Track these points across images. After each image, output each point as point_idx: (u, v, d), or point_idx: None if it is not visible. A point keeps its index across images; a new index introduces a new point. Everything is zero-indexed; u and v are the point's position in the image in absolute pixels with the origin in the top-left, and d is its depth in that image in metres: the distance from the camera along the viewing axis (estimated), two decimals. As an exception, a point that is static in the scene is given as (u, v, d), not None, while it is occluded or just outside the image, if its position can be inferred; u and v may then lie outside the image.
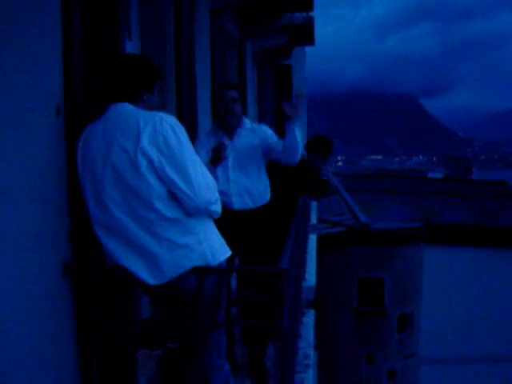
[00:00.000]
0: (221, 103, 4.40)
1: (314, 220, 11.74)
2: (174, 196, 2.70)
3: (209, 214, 2.84)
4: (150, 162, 2.62)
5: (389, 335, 15.32)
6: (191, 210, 2.73)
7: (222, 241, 2.93)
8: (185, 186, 2.67)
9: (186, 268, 2.72)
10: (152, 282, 2.71)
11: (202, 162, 2.82)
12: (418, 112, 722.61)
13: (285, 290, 2.91)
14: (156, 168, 2.63)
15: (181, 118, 4.88)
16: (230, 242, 2.98)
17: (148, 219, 2.67)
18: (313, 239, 9.60)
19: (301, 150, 4.52)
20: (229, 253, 2.92)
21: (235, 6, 7.54)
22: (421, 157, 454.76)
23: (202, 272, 2.76)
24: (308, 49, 20.31)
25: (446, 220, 16.94)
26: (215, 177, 4.19)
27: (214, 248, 2.83)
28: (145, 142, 2.61)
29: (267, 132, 4.60)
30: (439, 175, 52.70)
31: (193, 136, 4.39)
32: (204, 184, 2.72)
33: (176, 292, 2.78)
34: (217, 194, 2.83)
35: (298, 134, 4.40)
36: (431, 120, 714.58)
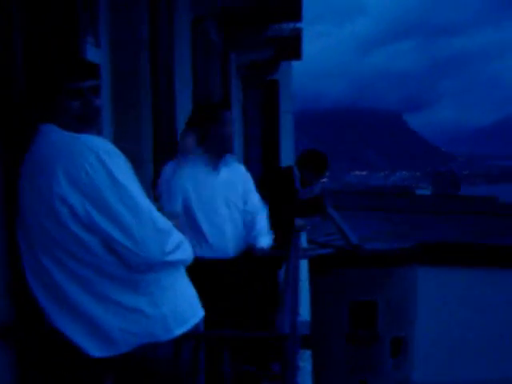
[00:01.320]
0: (218, 126, 3.63)
1: (304, 242, 11.14)
2: (112, 249, 2.03)
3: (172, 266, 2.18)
4: (72, 209, 1.96)
5: (382, 360, 14.72)
6: (139, 267, 2.06)
7: (193, 300, 2.27)
8: (122, 236, 2.00)
9: (140, 338, 2.05)
10: (97, 353, 2.04)
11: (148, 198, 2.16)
12: (401, 128, 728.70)
13: (290, 355, 2.31)
14: (80, 217, 1.97)
15: (158, 137, 4.24)
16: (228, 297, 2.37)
17: (84, 276, 2.02)
18: (304, 265, 8.99)
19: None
20: (200, 315, 2.27)
21: (219, 15, 6.94)
22: (404, 172, 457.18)
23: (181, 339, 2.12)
24: (294, 65, 19.81)
25: (438, 239, 16.37)
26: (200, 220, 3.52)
27: (179, 311, 2.16)
28: (61, 182, 1.95)
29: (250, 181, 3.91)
30: (427, 192, 52.39)
31: (170, 158, 3.74)
32: (151, 230, 2.03)
33: (141, 364, 2.12)
34: (176, 238, 2.14)
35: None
36: (414, 136, 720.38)
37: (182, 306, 2.18)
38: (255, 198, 3.80)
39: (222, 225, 3.57)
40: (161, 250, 2.03)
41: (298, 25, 10.29)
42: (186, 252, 2.17)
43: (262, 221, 3.76)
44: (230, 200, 3.62)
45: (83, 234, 1.98)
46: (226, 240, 3.58)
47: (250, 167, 7.67)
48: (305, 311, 6.58)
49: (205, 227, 3.50)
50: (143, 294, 2.09)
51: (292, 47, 11.05)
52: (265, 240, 3.72)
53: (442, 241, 16.02)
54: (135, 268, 2.03)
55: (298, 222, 5.56)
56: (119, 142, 4.20)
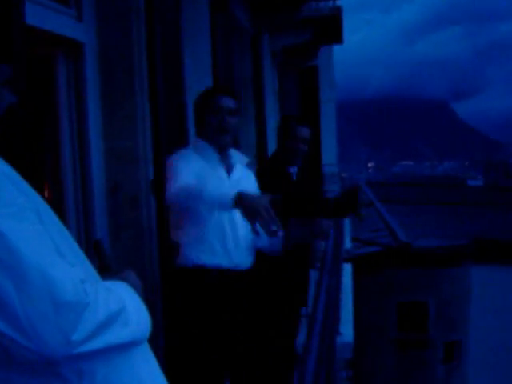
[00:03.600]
0: (213, 114, 3.15)
1: (347, 243, 10.20)
2: None
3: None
4: None
5: (434, 367, 13.71)
6: (34, 365, 1.18)
7: None
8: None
9: None
10: None
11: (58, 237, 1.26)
12: (448, 116, 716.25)
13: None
14: None
15: (159, 132, 3.42)
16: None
17: None
18: (347, 270, 8.06)
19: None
20: None
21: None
22: (452, 162, 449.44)
23: None
24: (335, 51, 18.86)
25: (494, 236, 15.23)
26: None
27: None
28: None
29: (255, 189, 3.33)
30: (479, 182, 50.43)
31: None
32: (46, 306, 1.13)
33: None
34: (103, 309, 1.21)
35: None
36: (461, 124, 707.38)
37: None
38: None
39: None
40: (64, 338, 1.14)
41: (338, 2, 9.35)
42: (127, 328, 1.28)
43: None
44: None
45: None
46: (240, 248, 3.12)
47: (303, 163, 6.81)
48: (347, 329, 5.68)
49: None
50: None
51: (332, 29, 10.10)
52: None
53: (498, 237, 14.90)
54: (28, 365, 1.18)
55: (324, 222, 4.55)
56: (109, 139, 3.42)
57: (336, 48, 17.44)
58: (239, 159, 3.24)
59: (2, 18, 1.88)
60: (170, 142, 3.62)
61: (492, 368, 14.28)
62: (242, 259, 3.10)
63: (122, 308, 1.26)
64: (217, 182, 3.02)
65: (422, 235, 15.01)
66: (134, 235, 3.48)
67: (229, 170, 3.16)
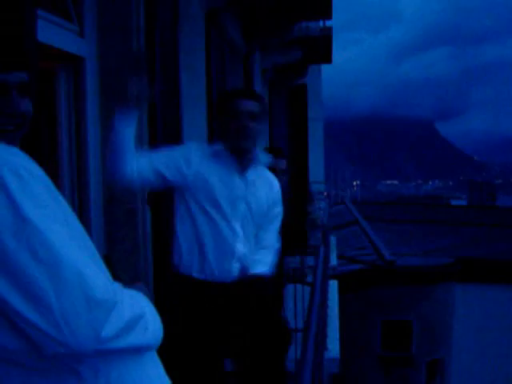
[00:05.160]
0: (231, 118, 2.93)
1: (333, 260, 10.24)
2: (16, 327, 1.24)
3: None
4: None
5: (417, 384, 13.77)
6: (60, 358, 1.24)
7: None
8: (31, 311, 1.18)
9: None
10: None
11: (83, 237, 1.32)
12: (433, 136, 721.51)
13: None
14: None
15: (157, 144, 3.49)
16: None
17: None
18: (333, 286, 8.13)
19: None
20: None
21: (238, 8, 6.16)
22: (437, 181, 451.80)
23: None
24: (323, 70, 19.02)
25: (478, 255, 15.37)
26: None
27: None
28: None
29: (276, 195, 3.15)
30: (463, 202, 50.92)
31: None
32: (79, 302, 1.21)
33: None
34: (127, 313, 1.28)
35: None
36: (446, 144, 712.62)
37: None
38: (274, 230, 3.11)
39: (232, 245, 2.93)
40: (94, 334, 1.21)
41: (328, 23, 9.49)
42: (146, 334, 1.35)
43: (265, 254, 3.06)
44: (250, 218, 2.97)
45: None
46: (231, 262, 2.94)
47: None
48: (334, 345, 5.73)
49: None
50: None
51: (322, 48, 10.23)
52: (262, 267, 2.99)
53: (481, 257, 15.05)
54: (53, 358, 1.24)
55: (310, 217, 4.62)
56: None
57: (324, 67, 17.62)
58: (264, 161, 3.09)
59: (16, 29, 1.95)
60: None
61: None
62: (223, 272, 2.93)
63: (143, 313, 1.34)
64: (224, 186, 2.89)
65: (407, 254, 15.15)
66: (129, 247, 3.53)
67: (244, 178, 2.95)
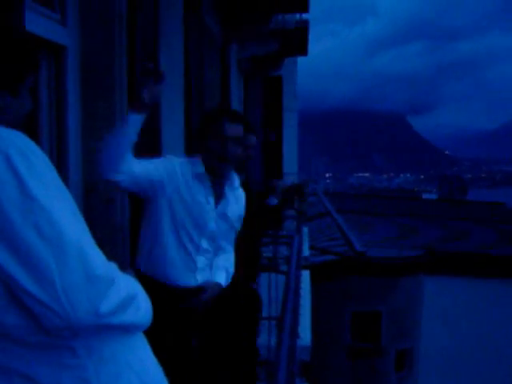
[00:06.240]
0: (216, 140, 2.92)
1: (305, 250, 10.36)
2: (19, 302, 1.32)
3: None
4: None
5: (386, 374, 14.00)
6: (59, 332, 1.32)
7: (151, 378, 1.55)
8: (34, 285, 1.25)
9: None
10: None
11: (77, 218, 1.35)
12: (405, 130, 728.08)
13: None
14: None
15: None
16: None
17: None
18: (306, 276, 8.25)
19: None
20: None
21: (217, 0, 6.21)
22: (408, 175, 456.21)
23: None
24: (299, 62, 19.11)
25: (446, 248, 15.65)
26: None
27: None
28: None
29: (241, 211, 3.17)
30: (433, 196, 51.52)
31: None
32: (80, 277, 1.28)
33: None
34: (123, 290, 1.37)
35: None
36: (418, 138, 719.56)
37: None
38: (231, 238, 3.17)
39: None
40: (93, 308, 1.28)
41: (305, 16, 9.56)
42: (138, 313, 1.43)
43: (228, 260, 3.13)
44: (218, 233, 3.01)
45: None
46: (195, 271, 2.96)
47: (250, 170, 6.98)
48: (306, 333, 5.83)
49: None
50: (69, 367, 1.37)
51: (298, 41, 10.31)
52: (222, 277, 3.04)
53: (450, 249, 15.32)
54: (53, 332, 1.31)
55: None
56: (88, 141, 3.52)
57: (299, 58, 17.70)
58: (234, 182, 3.09)
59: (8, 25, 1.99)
60: (144, 142, 3.73)
61: (442, 374, 14.68)
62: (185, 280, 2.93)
63: (136, 294, 1.42)
64: (200, 207, 2.92)
65: (377, 245, 15.34)
66: (107, 236, 3.57)
67: (218, 200, 2.99)
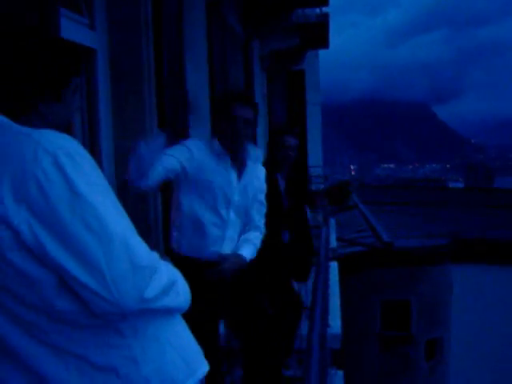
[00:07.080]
0: (226, 122, 3.17)
1: (333, 241, 10.42)
2: (70, 290, 1.45)
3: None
4: (16, 234, 1.37)
5: (417, 363, 14.04)
6: (106, 316, 1.46)
7: (191, 356, 1.68)
8: (84, 274, 1.38)
9: None
10: None
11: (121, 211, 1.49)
12: (430, 119, 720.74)
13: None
14: (28, 245, 1.38)
15: (166, 132, 3.66)
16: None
17: (36, 325, 1.44)
18: (334, 267, 8.32)
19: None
20: (199, 375, 1.68)
21: (238, -2, 6.32)
22: (434, 164, 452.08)
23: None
24: (320, 55, 19.11)
25: (474, 236, 15.58)
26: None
27: (167, 371, 1.57)
28: (5, 197, 1.36)
29: (262, 184, 3.41)
30: (460, 185, 51.12)
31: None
32: (125, 266, 1.40)
33: None
34: (164, 278, 1.51)
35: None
36: (443, 127, 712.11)
37: (173, 365, 1.60)
38: (261, 213, 3.36)
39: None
40: (139, 295, 1.41)
41: (325, 10, 9.63)
42: (178, 297, 1.57)
43: (257, 237, 3.31)
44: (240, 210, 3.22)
45: (31, 267, 1.40)
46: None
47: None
48: (335, 321, 5.93)
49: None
50: (117, 347, 1.51)
51: (319, 35, 10.38)
52: (248, 250, 3.22)
53: (477, 237, 15.26)
54: (101, 316, 1.45)
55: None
56: (119, 140, 3.67)
57: (321, 51, 17.72)
58: (253, 156, 3.29)
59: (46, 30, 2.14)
60: (175, 140, 3.87)
61: (472, 363, 14.64)
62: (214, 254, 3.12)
63: (176, 280, 1.57)
64: (224, 182, 3.13)
65: (404, 236, 15.35)
66: (140, 231, 3.70)
67: (240, 173, 3.21)
